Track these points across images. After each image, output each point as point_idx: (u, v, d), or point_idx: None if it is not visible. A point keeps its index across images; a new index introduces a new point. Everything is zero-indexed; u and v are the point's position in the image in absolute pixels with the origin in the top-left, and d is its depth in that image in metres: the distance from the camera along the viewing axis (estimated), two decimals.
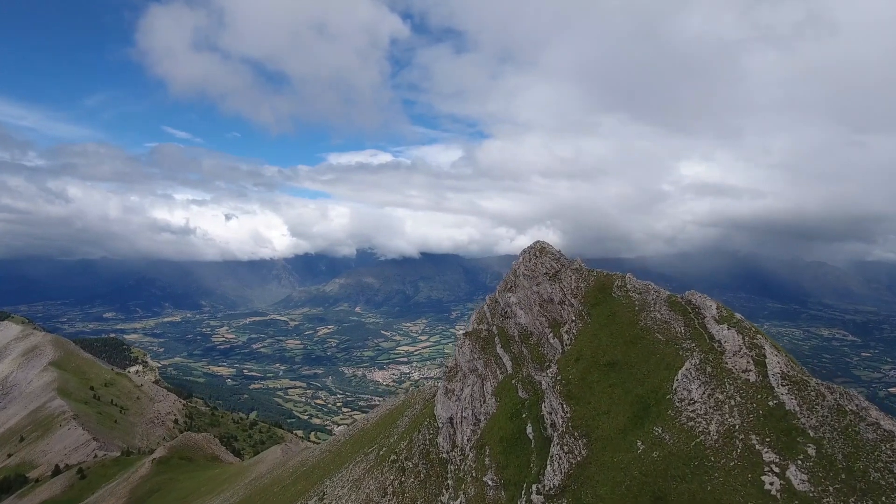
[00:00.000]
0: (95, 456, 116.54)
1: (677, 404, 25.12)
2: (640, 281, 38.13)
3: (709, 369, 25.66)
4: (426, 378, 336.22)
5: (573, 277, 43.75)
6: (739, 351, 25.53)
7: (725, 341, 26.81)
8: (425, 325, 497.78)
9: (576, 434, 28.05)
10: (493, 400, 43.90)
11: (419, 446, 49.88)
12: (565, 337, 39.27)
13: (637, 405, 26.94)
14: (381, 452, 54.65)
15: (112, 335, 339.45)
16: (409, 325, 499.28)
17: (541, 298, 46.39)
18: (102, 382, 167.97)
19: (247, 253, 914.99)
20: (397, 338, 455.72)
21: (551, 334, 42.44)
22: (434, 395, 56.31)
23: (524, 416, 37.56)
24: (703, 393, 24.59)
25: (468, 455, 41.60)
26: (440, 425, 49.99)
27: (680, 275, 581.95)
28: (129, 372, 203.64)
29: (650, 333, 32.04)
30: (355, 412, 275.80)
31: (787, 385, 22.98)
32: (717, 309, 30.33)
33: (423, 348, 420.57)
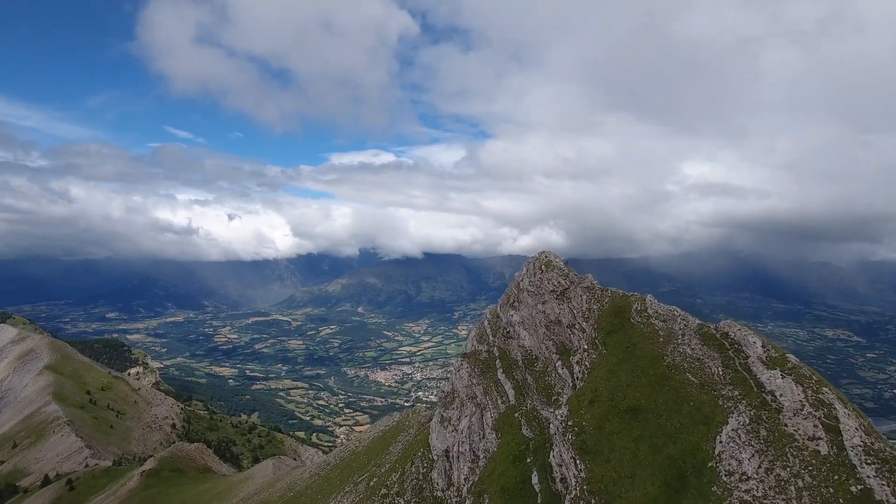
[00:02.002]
0: (87, 465, 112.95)
1: (724, 478, 19.91)
2: (663, 305, 32.76)
3: (763, 432, 20.41)
4: (428, 378, 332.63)
5: (584, 297, 38.53)
6: (802, 409, 20.25)
7: (781, 394, 21.46)
8: (428, 325, 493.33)
9: (592, 501, 22.96)
10: (494, 435, 38.90)
11: (412, 480, 45.08)
12: (576, 368, 34.11)
13: (669, 471, 21.81)
14: (372, 483, 49.91)
15: (114, 335, 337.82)
16: (411, 325, 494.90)
17: (547, 319, 41.24)
18: (99, 386, 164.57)
19: (249, 253, 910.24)
20: (400, 338, 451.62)
21: (560, 362, 37.31)
22: (429, 421, 51.45)
23: (529, 461, 32.52)
24: (759, 466, 19.37)
25: (465, 500, 36.68)
26: (435, 458, 45.09)
27: (684, 275, 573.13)
28: (129, 374, 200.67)
29: (679, 373, 26.82)
30: (357, 413, 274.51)
31: (875, 463, 17.70)
32: (762, 347, 24.95)
33: (425, 349, 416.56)
